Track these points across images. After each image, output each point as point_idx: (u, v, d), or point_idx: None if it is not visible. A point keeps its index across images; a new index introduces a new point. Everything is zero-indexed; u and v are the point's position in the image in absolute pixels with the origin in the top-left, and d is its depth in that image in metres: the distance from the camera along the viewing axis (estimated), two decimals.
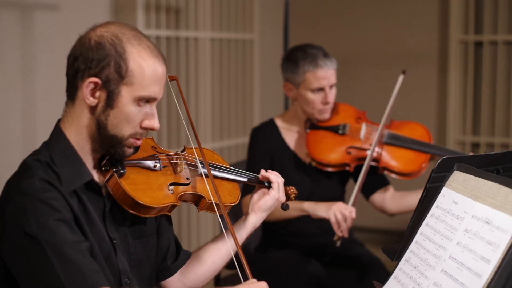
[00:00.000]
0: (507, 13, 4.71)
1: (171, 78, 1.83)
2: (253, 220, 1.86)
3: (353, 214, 2.59)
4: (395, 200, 2.84)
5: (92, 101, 1.58)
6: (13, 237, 1.50)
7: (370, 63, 5.20)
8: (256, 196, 1.89)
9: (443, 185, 1.60)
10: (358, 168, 2.76)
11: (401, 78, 2.83)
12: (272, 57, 5.11)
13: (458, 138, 4.85)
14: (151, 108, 1.62)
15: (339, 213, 2.57)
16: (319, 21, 5.39)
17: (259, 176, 1.89)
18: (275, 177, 1.88)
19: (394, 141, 2.80)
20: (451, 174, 1.59)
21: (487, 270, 1.34)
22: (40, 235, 1.47)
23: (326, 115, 2.82)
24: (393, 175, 2.80)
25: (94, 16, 3.67)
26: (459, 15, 4.78)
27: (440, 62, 5.00)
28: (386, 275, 1.64)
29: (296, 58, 2.79)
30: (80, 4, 3.66)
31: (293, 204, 2.65)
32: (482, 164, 1.66)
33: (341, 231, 2.59)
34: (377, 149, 2.77)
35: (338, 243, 2.66)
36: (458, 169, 1.58)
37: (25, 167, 1.58)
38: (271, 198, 1.86)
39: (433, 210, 1.59)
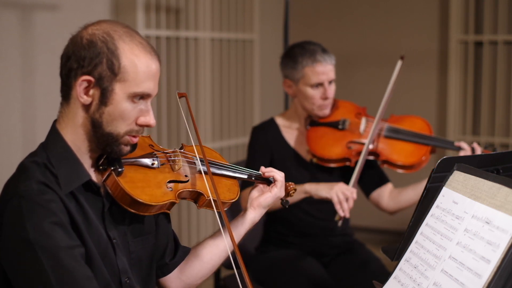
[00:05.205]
0: (507, 13, 4.71)
1: (180, 95, 1.82)
2: (252, 216, 1.85)
3: (354, 195, 2.60)
4: (393, 197, 2.85)
5: (86, 99, 1.58)
6: (9, 240, 1.50)
7: (370, 63, 5.21)
8: (255, 192, 1.88)
9: (443, 185, 1.60)
10: None
11: (399, 63, 2.82)
12: (272, 57, 5.10)
13: (458, 138, 4.85)
14: (146, 105, 1.61)
15: (341, 193, 2.57)
16: (319, 20, 5.39)
17: (261, 173, 1.89)
18: (279, 176, 1.88)
19: (394, 134, 2.81)
20: (451, 174, 1.59)
21: (487, 270, 1.34)
22: (35, 239, 1.47)
23: (326, 111, 2.83)
24: (394, 169, 2.81)
25: (94, 16, 3.65)
26: (459, 15, 4.78)
27: (440, 62, 5.00)
28: (386, 275, 1.64)
29: (294, 54, 2.79)
30: (80, 4, 3.66)
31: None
32: (482, 164, 1.66)
33: (343, 211, 2.58)
34: (377, 143, 2.78)
35: (340, 223, 2.66)
36: (458, 169, 1.58)
37: (22, 169, 1.58)
38: (273, 195, 1.86)
39: (433, 210, 1.59)
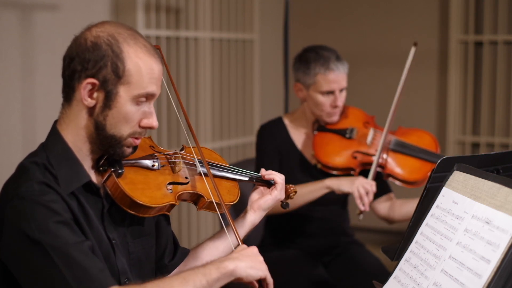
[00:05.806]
0: (507, 13, 4.71)
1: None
2: (252, 218, 1.85)
3: (374, 188, 2.62)
4: (395, 208, 2.83)
5: (90, 102, 1.58)
6: (14, 241, 1.49)
7: (369, 63, 5.20)
8: (255, 194, 1.88)
9: (443, 185, 1.60)
10: (363, 173, 2.74)
11: (412, 50, 2.78)
12: (272, 57, 5.10)
13: (458, 138, 4.85)
14: (149, 107, 1.62)
15: (361, 188, 2.59)
16: (319, 21, 5.39)
17: (261, 175, 1.89)
18: (279, 178, 1.88)
19: (401, 148, 2.79)
20: (451, 174, 1.59)
21: (487, 270, 1.34)
22: (42, 239, 1.46)
23: (335, 118, 2.82)
24: (397, 182, 2.79)
25: (94, 16, 3.67)
26: (459, 15, 4.78)
27: (440, 62, 5.00)
28: (386, 275, 1.64)
29: (308, 59, 2.78)
30: (80, 4, 3.66)
31: (314, 185, 2.66)
32: (482, 164, 1.66)
33: (363, 205, 2.60)
34: (383, 155, 2.76)
35: (361, 217, 2.69)
36: (458, 169, 1.58)
37: (23, 169, 1.57)
38: (273, 198, 1.86)
39: (433, 210, 1.59)
